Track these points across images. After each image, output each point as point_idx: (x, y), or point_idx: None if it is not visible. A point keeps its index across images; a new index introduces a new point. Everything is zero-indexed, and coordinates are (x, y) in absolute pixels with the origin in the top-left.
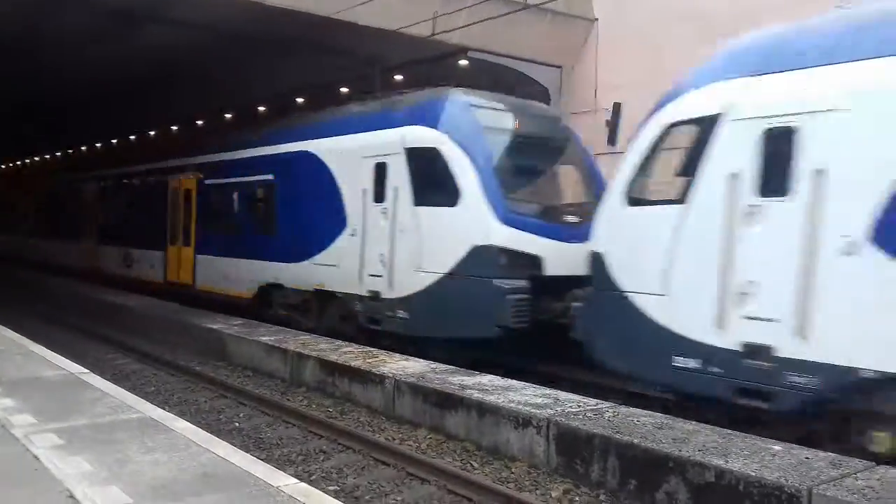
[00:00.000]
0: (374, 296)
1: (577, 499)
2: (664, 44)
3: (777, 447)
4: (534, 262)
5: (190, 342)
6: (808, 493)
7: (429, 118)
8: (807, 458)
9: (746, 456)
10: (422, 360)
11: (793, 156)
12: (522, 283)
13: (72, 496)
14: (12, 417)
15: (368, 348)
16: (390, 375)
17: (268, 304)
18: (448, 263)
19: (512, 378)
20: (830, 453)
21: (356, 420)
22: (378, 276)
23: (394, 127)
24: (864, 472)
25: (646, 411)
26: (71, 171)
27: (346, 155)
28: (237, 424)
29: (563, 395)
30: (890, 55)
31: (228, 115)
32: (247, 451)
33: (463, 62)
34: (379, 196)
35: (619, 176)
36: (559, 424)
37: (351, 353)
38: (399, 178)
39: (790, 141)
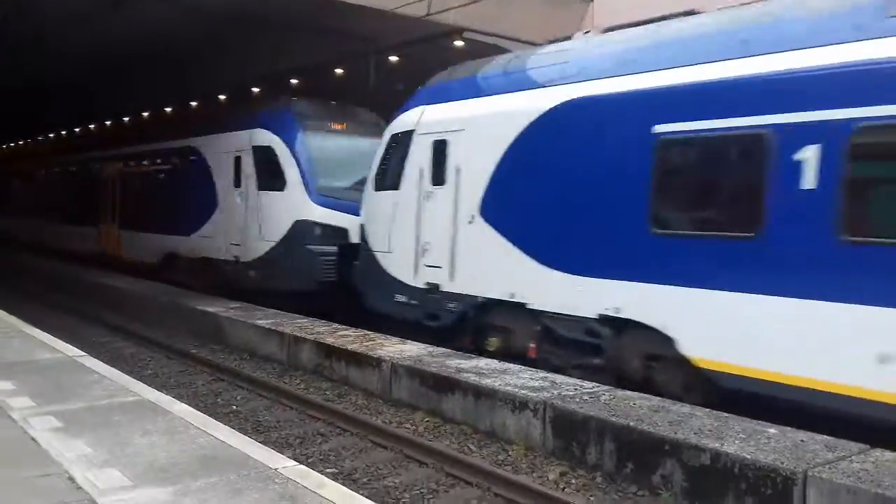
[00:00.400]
0: (236, 260)
1: (573, 481)
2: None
3: (772, 430)
4: (341, 233)
5: (186, 325)
6: (804, 475)
7: (268, 123)
8: (802, 440)
9: (742, 439)
10: (418, 344)
11: (446, 159)
12: (332, 248)
13: (71, 478)
14: (10, 400)
15: (365, 331)
16: (387, 359)
17: (171, 269)
18: (280, 234)
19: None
20: (826, 436)
21: (353, 403)
22: (237, 244)
23: (248, 129)
24: (858, 455)
25: (642, 394)
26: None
27: (217, 149)
28: (235, 407)
29: (559, 378)
30: (481, 96)
31: (222, 97)
32: (245, 434)
33: (458, 43)
34: (237, 183)
35: (371, 169)
36: (555, 407)
37: (347, 337)
38: (249, 169)
39: (444, 149)
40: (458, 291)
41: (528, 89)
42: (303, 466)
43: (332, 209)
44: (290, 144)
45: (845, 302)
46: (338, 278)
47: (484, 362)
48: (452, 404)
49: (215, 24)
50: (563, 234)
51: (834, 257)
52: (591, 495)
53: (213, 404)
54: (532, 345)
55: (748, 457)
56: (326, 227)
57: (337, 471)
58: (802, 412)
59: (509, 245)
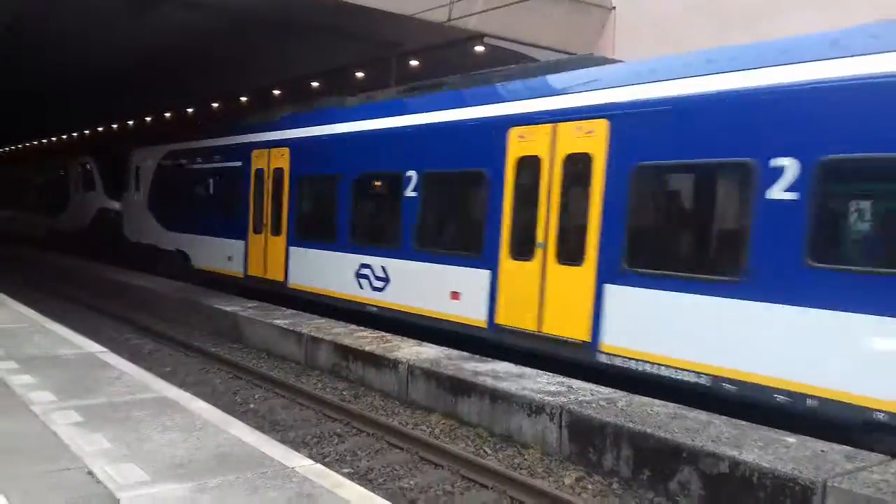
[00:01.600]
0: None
1: (589, 486)
2: (682, 36)
3: (791, 439)
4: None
5: (205, 324)
6: (823, 485)
7: None
8: (822, 450)
9: (760, 447)
10: (436, 346)
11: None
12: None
13: (91, 473)
14: (32, 394)
15: (382, 333)
16: (404, 360)
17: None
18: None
19: None
20: (846, 446)
21: (370, 404)
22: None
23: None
24: (879, 466)
25: (660, 401)
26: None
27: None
28: (252, 406)
29: (576, 383)
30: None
31: (244, 99)
32: (262, 433)
33: (479, 48)
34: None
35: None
36: (572, 412)
37: (365, 338)
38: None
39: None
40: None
41: None
42: (320, 466)
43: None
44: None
45: None
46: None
47: (501, 366)
48: (469, 407)
49: (238, 29)
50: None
51: None
52: (607, 501)
53: (230, 402)
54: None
55: (767, 465)
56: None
57: (353, 471)
58: None
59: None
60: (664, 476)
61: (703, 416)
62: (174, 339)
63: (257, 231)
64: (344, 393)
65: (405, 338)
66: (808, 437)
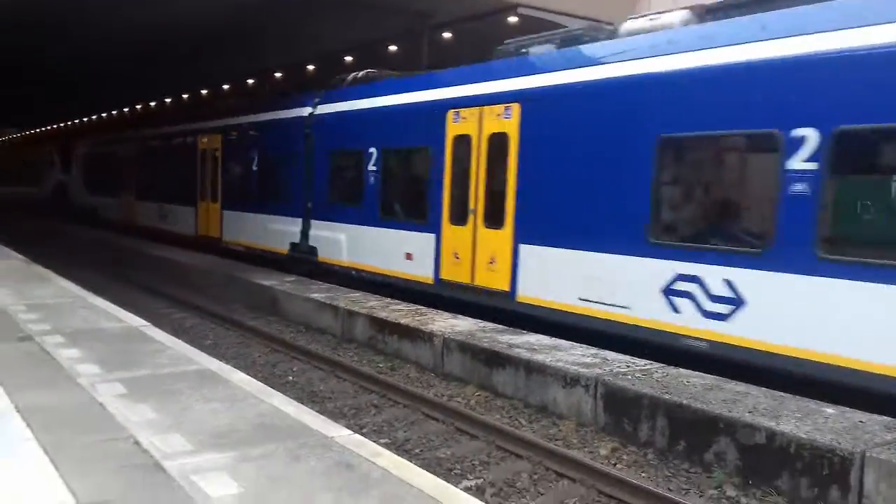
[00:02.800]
0: None
1: (625, 457)
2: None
3: (830, 410)
4: None
5: (244, 298)
6: (861, 456)
7: None
8: (861, 421)
9: (798, 418)
10: (470, 319)
11: None
12: None
13: (137, 442)
14: (78, 366)
15: (417, 306)
16: (439, 333)
17: None
18: None
19: None
20: (885, 417)
21: (406, 376)
22: None
23: None
24: None
25: (696, 372)
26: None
27: None
28: (291, 378)
29: (611, 355)
30: None
31: (278, 74)
32: (300, 404)
33: (512, 19)
34: None
35: None
36: (607, 384)
37: (400, 311)
38: None
39: None
40: None
41: None
42: (358, 436)
43: None
44: None
45: None
46: None
47: (535, 338)
48: (504, 379)
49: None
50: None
51: None
52: (642, 472)
53: (270, 374)
54: None
55: (804, 436)
56: None
57: (390, 441)
58: None
59: None
60: (700, 447)
61: (740, 387)
62: (214, 313)
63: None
64: (380, 365)
65: (440, 311)
66: (847, 408)
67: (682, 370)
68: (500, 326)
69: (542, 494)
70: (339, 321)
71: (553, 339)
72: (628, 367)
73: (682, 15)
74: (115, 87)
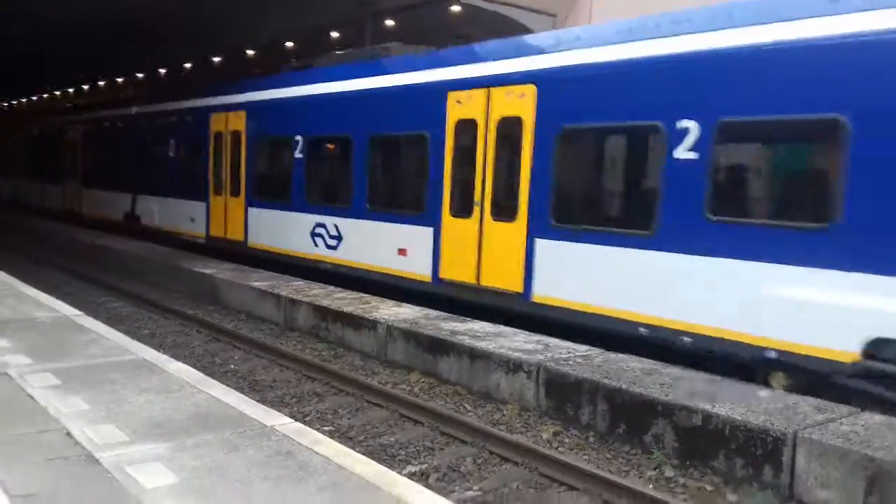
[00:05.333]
0: None
1: (566, 440)
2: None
3: (763, 393)
4: None
5: (183, 287)
6: (794, 436)
7: None
8: (793, 403)
9: (734, 400)
10: (414, 307)
11: None
12: None
13: (69, 434)
14: (7, 357)
15: (361, 294)
16: (383, 321)
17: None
18: None
19: None
20: (817, 399)
21: (349, 364)
22: None
23: None
24: (848, 418)
25: (634, 356)
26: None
27: None
28: (232, 367)
29: (552, 341)
30: None
31: (217, 59)
32: (242, 393)
33: (455, 8)
34: None
35: None
36: (549, 370)
37: (343, 300)
38: None
39: None
40: None
41: None
42: (298, 424)
43: None
44: None
45: None
46: None
47: (478, 325)
48: (448, 366)
49: None
50: None
51: None
52: (584, 454)
53: (210, 364)
54: None
55: (739, 418)
56: None
57: (333, 429)
58: None
59: None
60: (640, 429)
61: (676, 371)
62: (152, 302)
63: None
64: (323, 353)
65: (384, 299)
66: (780, 391)
67: (621, 355)
68: (444, 314)
69: (485, 479)
70: (281, 310)
71: (496, 326)
72: (569, 353)
73: None
74: (69, 65)
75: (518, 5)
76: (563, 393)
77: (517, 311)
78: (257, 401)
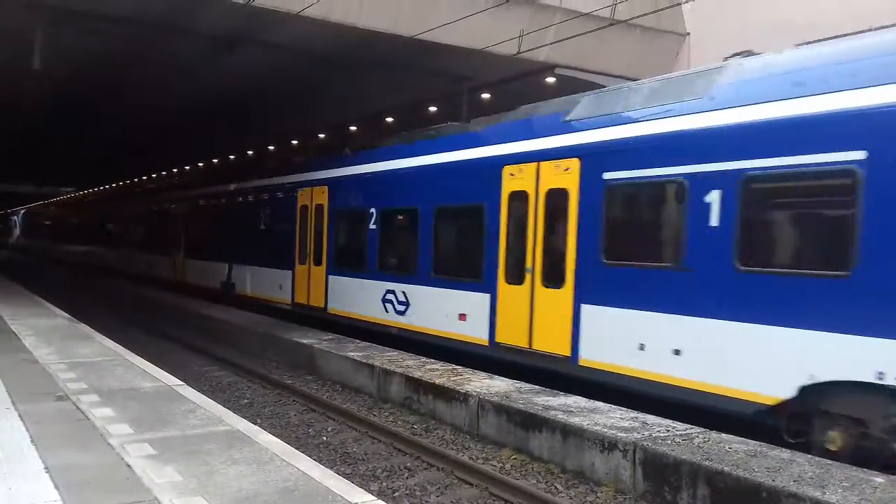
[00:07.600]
0: None
1: None
2: None
3: (879, 479)
4: None
5: (282, 356)
6: None
7: None
8: None
9: (846, 487)
10: (507, 380)
11: None
12: None
13: None
14: (110, 427)
15: (453, 366)
16: (474, 394)
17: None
18: None
19: None
20: None
21: (440, 438)
22: None
23: None
24: None
25: (738, 438)
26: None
27: None
28: (325, 438)
29: (650, 418)
30: None
31: (322, 136)
32: (333, 466)
33: (550, 79)
34: None
35: None
36: (646, 449)
37: (435, 371)
38: None
39: None
40: None
41: None
42: (381, 501)
43: None
44: None
45: None
46: None
47: (572, 400)
48: (540, 442)
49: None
50: None
51: None
52: None
53: (304, 435)
54: None
55: None
56: None
57: None
58: None
59: None
60: None
61: (784, 454)
62: (253, 371)
63: None
64: (415, 426)
65: (475, 370)
66: (895, 478)
67: (724, 435)
68: (537, 387)
69: None
70: (375, 380)
71: (591, 401)
72: (668, 431)
73: None
74: (172, 147)
75: (611, 74)
76: (661, 474)
77: (564, 373)
78: (349, 473)
